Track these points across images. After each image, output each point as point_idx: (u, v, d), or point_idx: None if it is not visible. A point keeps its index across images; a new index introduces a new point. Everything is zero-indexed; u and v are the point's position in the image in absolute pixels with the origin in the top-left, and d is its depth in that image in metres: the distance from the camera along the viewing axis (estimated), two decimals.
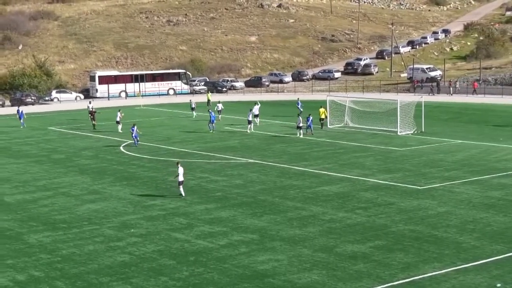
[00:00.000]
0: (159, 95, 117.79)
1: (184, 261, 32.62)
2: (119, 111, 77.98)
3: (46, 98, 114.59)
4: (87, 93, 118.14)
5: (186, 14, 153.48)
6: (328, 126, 76.27)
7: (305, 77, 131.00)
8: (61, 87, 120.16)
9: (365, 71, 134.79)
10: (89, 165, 55.08)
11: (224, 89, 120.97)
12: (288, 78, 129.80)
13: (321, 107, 74.57)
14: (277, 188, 47.04)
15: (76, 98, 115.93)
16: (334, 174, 51.64)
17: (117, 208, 42.81)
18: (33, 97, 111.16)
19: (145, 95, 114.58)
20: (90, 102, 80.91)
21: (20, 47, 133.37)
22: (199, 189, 47.56)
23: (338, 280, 29.73)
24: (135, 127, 65.39)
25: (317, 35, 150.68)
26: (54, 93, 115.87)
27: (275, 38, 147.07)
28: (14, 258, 33.61)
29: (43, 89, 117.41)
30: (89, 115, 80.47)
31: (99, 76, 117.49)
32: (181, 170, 44.46)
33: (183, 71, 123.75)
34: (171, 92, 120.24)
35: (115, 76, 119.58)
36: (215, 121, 74.12)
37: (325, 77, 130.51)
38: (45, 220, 40.51)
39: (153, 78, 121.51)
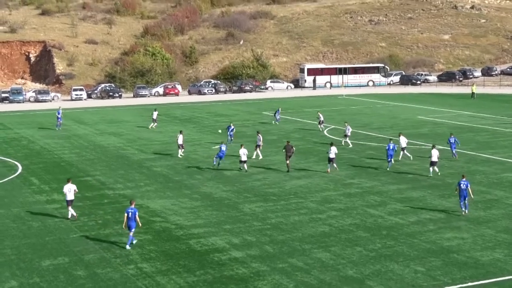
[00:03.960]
0: (360, 86, 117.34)
1: (377, 234, 32.44)
2: (155, 110, 72.58)
3: (262, 87, 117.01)
4: (297, 83, 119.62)
5: (386, 14, 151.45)
6: None
7: (494, 73, 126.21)
8: (275, 78, 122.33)
9: None
10: (297, 146, 55.68)
11: (418, 82, 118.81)
12: (478, 73, 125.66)
13: None
14: (464, 173, 45.62)
15: (287, 87, 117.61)
16: None
17: (319, 185, 43.12)
18: (250, 86, 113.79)
19: (347, 86, 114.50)
20: (155, 109, 72.38)
21: (241, 42, 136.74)
22: (393, 171, 47.01)
23: None
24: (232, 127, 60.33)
25: (507, 34, 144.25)
26: (268, 83, 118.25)
27: (467, 37, 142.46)
28: (231, 224, 34.64)
29: (259, 78, 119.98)
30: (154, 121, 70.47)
31: (307, 69, 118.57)
32: (243, 151, 46.55)
33: (382, 65, 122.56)
34: (371, 83, 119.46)
35: (322, 69, 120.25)
36: None
37: None
38: (257, 192, 41.45)
39: (355, 71, 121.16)
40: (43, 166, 51.01)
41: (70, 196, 35.52)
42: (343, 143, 57.53)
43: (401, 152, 50.05)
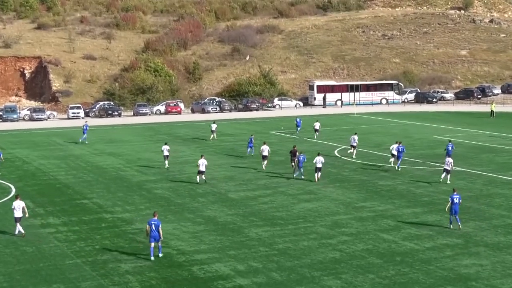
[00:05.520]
0: (372, 104, 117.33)
1: (391, 260, 32.37)
2: (213, 122, 79.48)
3: (269, 105, 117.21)
4: (306, 101, 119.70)
5: (400, 29, 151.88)
6: None
7: None
8: (283, 95, 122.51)
9: None
10: (305, 168, 55.72)
11: (434, 99, 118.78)
12: (497, 91, 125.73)
13: None
14: (483, 196, 45.69)
15: (295, 106, 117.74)
16: None
17: (330, 208, 43.09)
18: (257, 104, 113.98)
19: (359, 104, 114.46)
20: (214, 122, 79.77)
21: (247, 58, 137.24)
22: (408, 193, 46.99)
23: None
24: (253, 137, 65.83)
25: None
26: (276, 100, 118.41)
27: (485, 52, 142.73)
28: (235, 249, 34.60)
29: (266, 96, 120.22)
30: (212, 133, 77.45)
31: (317, 86, 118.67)
32: (202, 161, 50.62)
33: (396, 82, 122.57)
34: (384, 101, 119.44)
35: (332, 86, 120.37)
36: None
37: None
38: (264, 216, 41.43)
39: (367, 88, 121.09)
40: (38, 188, 51.08)
41: (19, 214, 37.20)
42: (351, 155, 62.04)
43: (392, 159, 56.25)
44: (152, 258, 32.50)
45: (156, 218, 32.87)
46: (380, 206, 43.31)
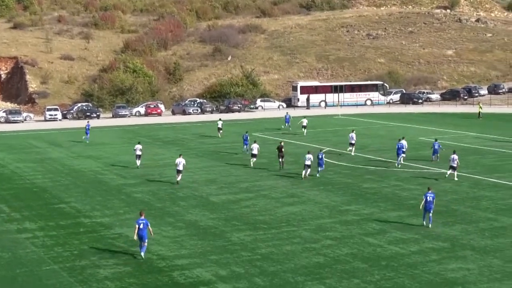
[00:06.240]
0: (357, 105, 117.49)
1: (376, 265, 32.40)
2: (220, 119, 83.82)
3: (251, 106, 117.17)
4: (289, 102, 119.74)
5: (385, 28, 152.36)
6: None
7: (501, 91, 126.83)
8: (265, 96, 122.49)
9: None
10: (289, 170, 55.74)
11: (420, 100, 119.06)
12: (484, 91, 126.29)
13: None
14: (469, 199, 45.86)
15: (279, 107, 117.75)
16: None
17: (313, 212, 43.11)
18: (239, 105, 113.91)
19: (343, 105, 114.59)
20: (220, 119, 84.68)
21: (229, 58, 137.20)
22: (393, 196, 47.10)
23: None
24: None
25: None
26: (258, 102, 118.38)
27: (471, 52, 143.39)
28: (217, 254, 34.55)
29: (249, 97, 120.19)
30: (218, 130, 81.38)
31: (301, 86, 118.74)
32: (180, 160, 51.67)
33: (381, 82, 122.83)
34: (368, 102, 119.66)
35: (316, 87, 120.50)
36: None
37: None
38: (246, 220, 41.41)
39: (352, 89, 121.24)
40: (13, 192, 50.83)
41: None
42: (351, 153, 64.13)
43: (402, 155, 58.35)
44: (143, 255, 33.53)
45: (143, 217, 33.64)
46: (365, 210, 43.37)
